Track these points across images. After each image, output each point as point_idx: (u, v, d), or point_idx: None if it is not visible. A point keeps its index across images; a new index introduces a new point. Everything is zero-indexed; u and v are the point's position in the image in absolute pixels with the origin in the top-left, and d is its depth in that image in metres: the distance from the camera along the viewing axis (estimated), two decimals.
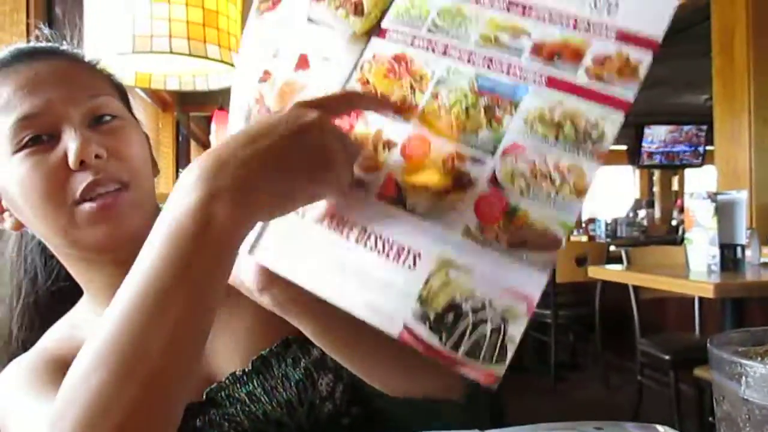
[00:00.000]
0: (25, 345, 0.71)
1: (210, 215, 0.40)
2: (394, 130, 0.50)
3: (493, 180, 0.46)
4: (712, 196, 2.19)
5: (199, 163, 0.42)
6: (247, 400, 0.65)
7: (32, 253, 0.75)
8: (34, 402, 0.58)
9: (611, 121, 0.45)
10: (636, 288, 2.70)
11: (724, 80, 3.25)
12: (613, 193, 9.24)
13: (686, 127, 8.19)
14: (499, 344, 0.42)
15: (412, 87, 0.51)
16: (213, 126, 4.52)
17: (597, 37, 0.46)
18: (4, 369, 0.65)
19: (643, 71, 0.45)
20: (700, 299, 2.86)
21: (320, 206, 0.49)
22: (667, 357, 2.57)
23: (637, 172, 9.46)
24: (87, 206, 0.61)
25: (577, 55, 0.46)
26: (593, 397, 3.53)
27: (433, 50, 0.51)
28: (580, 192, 0.44)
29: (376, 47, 0.53)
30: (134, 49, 1.40)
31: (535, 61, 0.47)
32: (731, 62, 3.19)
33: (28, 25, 1.57)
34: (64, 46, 0.72)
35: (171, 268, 0.40)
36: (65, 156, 0.61)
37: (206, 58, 1.47)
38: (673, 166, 8.51)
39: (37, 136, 0.61)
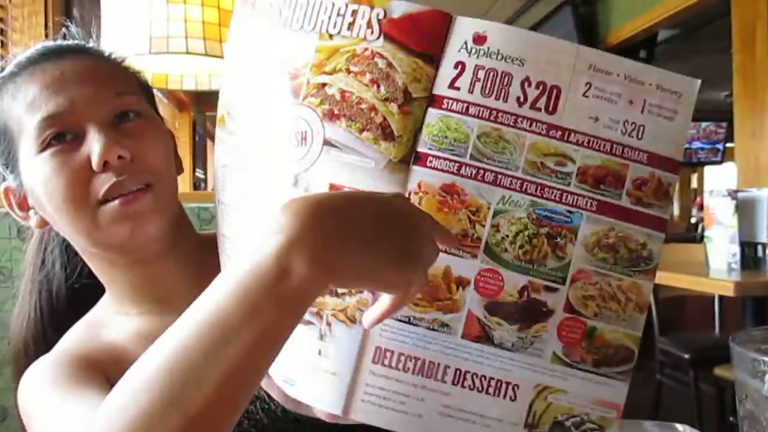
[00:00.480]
0: (38, 342, 0.72)
1: (288, 268, 0.40)
2: (464, 266, 0.52)
3: (568, 306, 0.52)
4: (733, 194, 2.19)
5: (298, 204, 0.42)
6: (266, 397, 0.67)
7: (53, 253, 0.76)
8: (62, 402, 0.57)
9: (656, 241, 0.52)
10: (655, 286, 2.72)
11: (745, 77, 3.12)
12: None
13: (704, 124, 7.79)
14: None
15: (470, 220, 0.52)
16: None
17: (632, 162, 0.52)
18: (28, 369, 0.64)
19: (672, 192, 0.53)
20: (720, 298, 2.84)
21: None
22: (686, 356, 2.56)
23: None
24: (109, 206, 0.61)
25: (619, 180, 0.52)
26: None
27: (483, 179, 0.52)
28: (642, 308, 0.52)
29: (420, 176, 0.53)
30: (151, 50, 1.43)
31: (583, 188, 0.52)
32: (752, 58, 3.04)
33: (46, 26, 1.62)
34: (91, 44, 0.72)
35: (240, 309, 0.40)
36: (88, 157, 0.61)
37: (222, 57, 1.43)
38: (691, 163, 8.14)
39: (61, 135, 0.62)
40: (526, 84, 0.52)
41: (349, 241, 0.42)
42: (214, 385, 0.39)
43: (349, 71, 0.53)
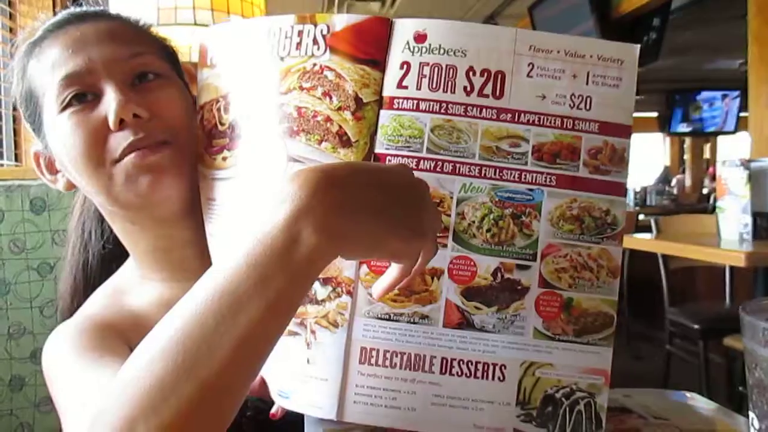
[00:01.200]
0: (74, 305, 0.74)
1: (296, 236, 0.41)
2: (436, 257, 0.53)
3: (542, 281, 0.53)
4: (746, 164, 2.18)
5: (306, 174, 0.43)
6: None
7: (90, 218, 0.78)
8: (84, 370, 0.58)
9: (618, 205, 0.54)
10: (665, 257, 2.66)
11: (761, 43, 3.06)
12: (642, 161, 8.73)
13: (719, 93, 7.77)
14: (593, 415, 0.52)
15: None
16: None
17: (584, 133, 0.54)
18: (51, 334, 0.66)
19: (628, 156, 0.54)
20: (731, 268, 2.82)
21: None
22: (696, 326, 2.56)
23: (668, 139, 9.05)
24: (126, 161, 0.62)
25: (574, 152, 0.54)
26: (621, 367, 3.15)
27: (443, 170, 0.54)
28: (615, 273, 0.54)
29: None
30: (159, 22, 1.46)
31: (540, 165, 0.54)
32: None
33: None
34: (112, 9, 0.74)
35: (251, 278, 0.41)
36: (106, 116, 0.62)
37: None
38: (704, 133, 8.12)
39: (81, 95, 0.63)
40: (470, 73, 0.54)
41: (357, 210, 0.43)
42: (226, 354, 0.41)
43: (302, 88, 0.55)
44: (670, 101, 7.99)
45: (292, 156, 0.55)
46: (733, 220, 2.21)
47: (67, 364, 0.61)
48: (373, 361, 0.53)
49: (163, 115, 0.64)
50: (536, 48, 0.54)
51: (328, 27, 0.55)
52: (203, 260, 0.67)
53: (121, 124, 0.62)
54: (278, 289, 0.41)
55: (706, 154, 8.81)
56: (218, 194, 0.61)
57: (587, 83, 0.54)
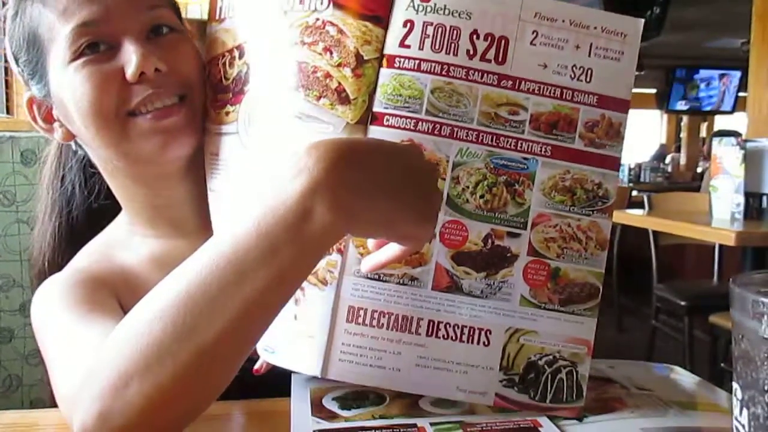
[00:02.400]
0: (57, 262, 0.73)
1: (310, 210, 0.41)
2: None
3: (532, 250, 0.55)
4: (741, 143, 2.18)
5: (324, 147, 0.42)
6: None
7: (71, 171, 0.76)
8: (74, 323, 0.58)
9: (610, 179, 0.55)
10: (656, 233, 2.68)
11: (765, 22, 3.06)
12: (639, 138, 8.55)
13: (718, 72, 7.75)
14: (575, 384, 0.54)
15: None
16: None
17: (583, 105, 0.55)
18: (40, 287, 0.66)
19: (624, 131, 0.55)
20: (720, 247, 2.87)
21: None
22: (683, 303, 2.61)
23: (665, 117, 8.97)
24: (141, 118, 0.62)
25: (571, 124, 0.55)
26: (606, 339, 3.18)
27: (440, 133, 0.54)
28: (603, 245, 0.55)
29: (378, 135, 0.55)
30: None
31: (537, 134, 0.55)
32: None
33: None
34: None
35: (259, 247, 0.41)
36: (122, 68, 0.61)
37: None
38: (701, 112, 8.08)
39: (94, 45, 0.61)
40: (474, 37, 0.54)
41: (372, 190, 0.43)
42: (227, 321, 0.41)
43: (303, 43, 0.54)
44: (670, 78, 7.89)
45: (296, 114, 0.55)
46: (725, 199, 2.22)
47: (56, 317, 0.60)
48: (360, 320, 0.54)
49: (180, 69, 0.63)
50: (542, 15, 0.55)
51: None
52: (199, 218, 0.68)
53: (140, 77, 0.60)
54: (286, 261, 0.41)
55: (703, 133, 8.77)
56: (222, 149, 0.61)
57: (589, 55, 0.55)
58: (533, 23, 0.55)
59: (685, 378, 0.66)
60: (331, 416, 0.53)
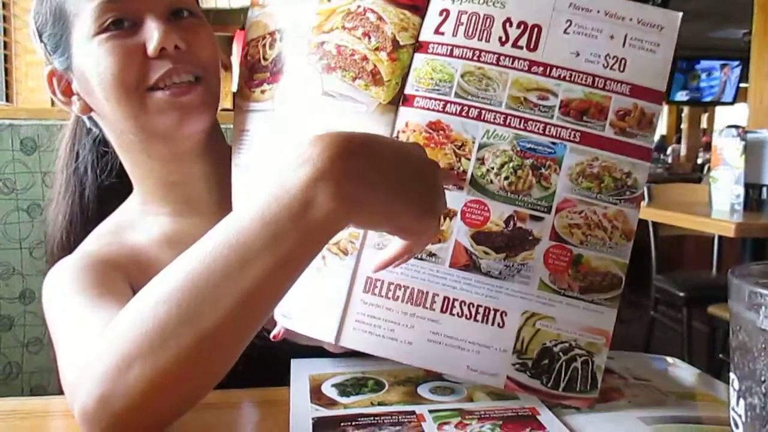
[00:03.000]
0: (67, 244, 0.74)
1: (313, 199, 0.42)
2: (451, 198, 0.55)
3: (554, 235, 0.54)
4: (742, 134, 2.19)
5: (329, 138, 0.44)
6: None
7: (84, 149, 0.78)
8: (84, 307, 0.59)
9: (640, 170, 0.55)
10: (655, 224, 2.71)
11: (767, 13, 3.11)
12: None
13: (719, 63, 7.62)
14: (590, 374, 0.53)
15: (456, 154, 0.56)
16: (234, 47, 4.10)
17: (615, 93, 0.55)
18: (50, 270, 0.67)
19: (656, 122, 0.55)
20: (720, 239, 2.90)
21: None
22: (681, 294, 2.62)
23: (666, 107, 8.74)
24: (160, 93, 0.65)
25: (602, 112, 0.55)
26: None
27: (468, 115, 0.56)
28: (628, 235, 0.54)
29: (408, 115, 0.57)
30: None
31: (566, 120, 0.55)
32: None
33: None
34: None
35: (263, 235, 0.43)
36: (144, 43, 0.64)
37: None
38: (702, 102, 8.02)
39: (118, 21, 0.64)
40: (507, 24, 0.56)
41: (375, 180, 0.44)
42: (228, 306, 0.42)
43: (344, 28, 0.58)
44: (671, 68, 7.86)
45: (326, 91, 0.58)
46: (725, 190, 2.23)
47: (66, 301, 0.61)
48: (376, 291, 0.55)
49: (199, 50, 0.67)
50: (576, 6, 0.56)
51: None
52: (212, 197, 0.71)
53: (160, 53, 0.64)
54: (289, 248, 0.43)
55: (704, 125, 8.80)
56: (252, 125, 0.65)
57: (624, 45, 0.55)
58: (567, 12, 0.56)
59: (683, 369, 0.65)
60: (330, 403, 0.54)
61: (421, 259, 0.55)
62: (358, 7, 0.59)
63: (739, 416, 0.35)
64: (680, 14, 0.56)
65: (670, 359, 0.66)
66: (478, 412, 0.51)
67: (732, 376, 0.36)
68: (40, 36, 0.70)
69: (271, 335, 0.59)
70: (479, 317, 0.54)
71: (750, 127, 2.98)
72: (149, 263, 0.67)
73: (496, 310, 0.54)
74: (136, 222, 0.73)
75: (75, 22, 0.65)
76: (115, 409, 0.44)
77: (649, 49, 0.56)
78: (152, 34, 0.63)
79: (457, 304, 0.55)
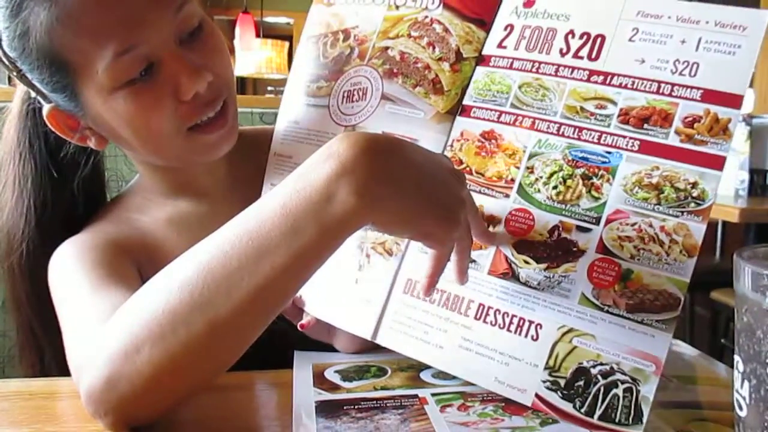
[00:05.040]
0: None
1: (334, 193, 0.43)
2: (496, 205, 0.56)
3: (602, 247, 0.51)
4: (747, 119, 2.24)
5: (355, 136, 0.46)
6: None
7: (38, 134, 0.72)
8: (89, 289, 0.59)
9: (710, 179, 0.50)
10: None
11: None
12: None
13: None
14: (633, 405, 0.47)
15: (506, 162, 0.57)
16: (237, 30, 4.48)
17: (683, 100, 0.52)
18: (61, 246, 0.67)
19: (733, 127, 0.50)
20: (723, 224, 2.99)
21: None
22: None
23: None
24: (200, 136, 0.64)
25: (666, 119, 0.52)
26: None
27: (521, 125, 0.57)
28: (691, 251, 0.49)
29: (463, 125, 0.60)
30: None
31: (625, 128, 0.53)
32: None
33: None
34: None
35: (282, 226, 0.44)
36: (171, 87, 0.61)
37: None
38: None
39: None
40: (569, 36, 0.57)
41: (397, 180, 0.46)
42: (243, 296, 0.44)
43: (410, 36, 0.64)
44: None
45: (386, 94, 0.63)
46: (729, 175, 2.26)
47: (74, 280, 0.62)
48: (415, 293, 0.57)
49: (220, 72, 0.64)
50: (644, 13, 0.55)
51: None
52: (218, 179, 0.72)
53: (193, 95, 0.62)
54: (307, 241, 0.44)
55: None
56: (303, 118, 0.69)
57: (696, 49, 0.53)
58: (634, 20, 0.55)
59: (685, 351, 0.62)
60: (333, 387, 0.56)
61: None
62: (426, 17, 0.64)
63: (743, 398, 0.35)
64: (767, 12, 0.52)
65: (672, 341, 0.58)
66: (480, 395, 0.50)
67: (736, 358, 0.36)
68: (21, 73, 0.62)
69: (300, 323, 0.62)
70: (512, 327, 0.53)
71: (755, 112, 3.10)
72: (156, 246, 0.69)
73: (531, 322, 0.52)
74: (143, 205, 0.73)
75: (83, 72, 0.59)
76: (121, 391, 0.45)
77: (728, 52, 0.52)
78: (180, 79, 0.60)
79: (491, 312, 0.54)
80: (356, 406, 0.51)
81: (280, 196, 0.45)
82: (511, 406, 0.49)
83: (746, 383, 0.34)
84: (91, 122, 0.65)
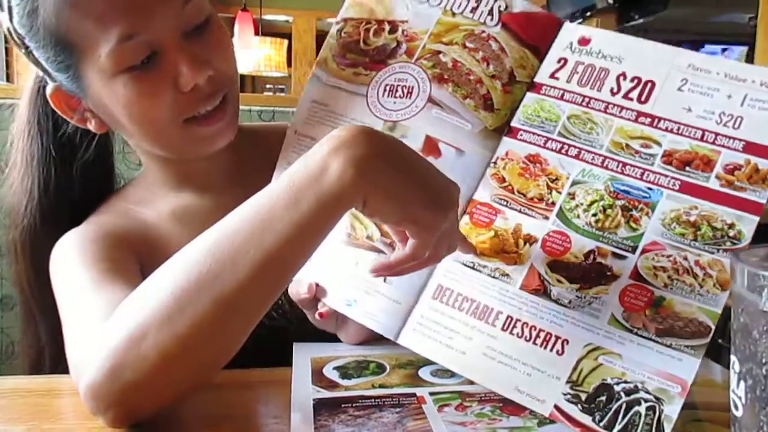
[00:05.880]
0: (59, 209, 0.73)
1: (329, 165, 0.46)
2: (534, 225, 0.58)
3: (635, 274, 0.54)
4: None
5: (357, 125, 0.49)
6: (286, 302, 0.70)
7: (45, 116, 0.74)
8: (91, 283, 0.60)
9: (747, 222, 0.53)
10: None
11: None
12: None
13: (719, 48, 7.71)
14: (654, 424, 0.48)
15: (548, 186, 0.59)
16: (236, 28, 4.46)
17: (725, 148, 0.55)
18: (63, 238, 0.68)
19: None
20: None
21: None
22: None
23: None
24: (196, 126, 0.65)
25: (707, 164, 0.56)
26: None
27: (567, 153, 0.60)
28: (724, 285, 0.52)
29: (509, 145, 0.63)
30: None
31: (667, 168, 0.56)
32: None
33: None
34: None
35: (286, 198, 0.47)
36: (171, 77, 0.62)
37: None
38: None
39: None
40: (621, 78, 0.61)
41: (391, 161, 0.48)
42: (248, 270, 0.46)
43: (464, 46, 0.67)
44: None
45: (434, 97, 0.66)
46: None
47: (75, 273, 0.62)
48: (444, 299, 0.58)
49: (223, 68, 0.66)
50: (695, 66, 0.59)
51: (507, 5, 0.67)
52: (221, 172, 0.73)
53: (193, 87, 0.63)
54: (305, 211, 0.46)
55: None
56: (332, 101, 0.69)
57: (741, 105, 0.57)
58: (684, 71, 0.60)
59: None
60: (332, 385, 0.57)
61: (493, 277, 0.58)
62: (483, 31, 0.67)
63: (739, 398, 0.35)
64: None
65: None
66: (478, 395, 0.52)
67: (733, 358, 0.36)
68: (28, 50, 0.65)
69: (318, 312, 0.63)
70: (538, 341, 0.54)
71: None
72: (159, 239, 0.71)
73: (558, 337, 0.54)
74: (146, 198, 0.74)
75: (87, 54, 0.61)
76: (125, 381, 0.46)
77: None
78: (180, 69, 0.62)
79: (519, 324, 0.55)
80: (354, 405, 0.52)
81: (289, 174, 0.48)
82: (508, 406, 0.51)
83: (742, 383, 0.35)
84: (91, 104, 0.67)
